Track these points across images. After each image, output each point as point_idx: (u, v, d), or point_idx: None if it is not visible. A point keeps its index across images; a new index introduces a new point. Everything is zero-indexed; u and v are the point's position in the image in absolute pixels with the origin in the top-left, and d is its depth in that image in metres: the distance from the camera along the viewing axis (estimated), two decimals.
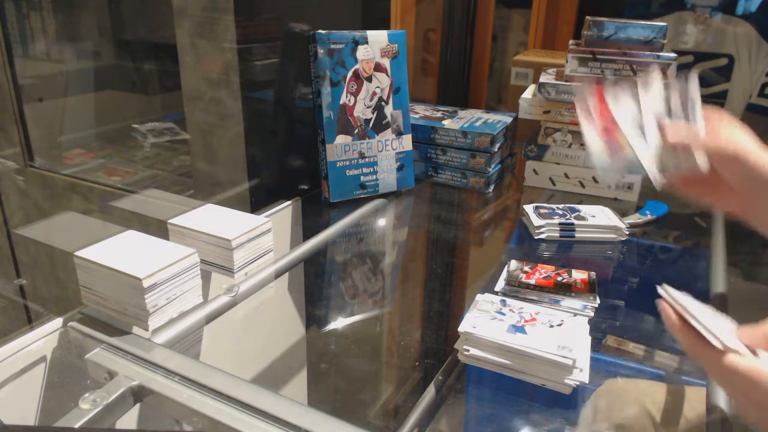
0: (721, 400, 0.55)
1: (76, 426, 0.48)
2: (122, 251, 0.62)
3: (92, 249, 0.62)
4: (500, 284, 0.77)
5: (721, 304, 0.73)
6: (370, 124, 1.01)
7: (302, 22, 1.00)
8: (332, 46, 0.95)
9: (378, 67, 1.00)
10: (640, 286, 0.87)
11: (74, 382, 0.60)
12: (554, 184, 1.12)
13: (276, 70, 0.98)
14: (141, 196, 1.18)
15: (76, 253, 0.61)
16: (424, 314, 0.96)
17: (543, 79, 1.06)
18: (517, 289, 0.75)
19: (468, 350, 0.61)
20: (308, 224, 1.00)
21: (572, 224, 0.92)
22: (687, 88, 0.62)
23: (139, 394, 0.53)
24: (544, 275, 0.79)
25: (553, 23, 1.69)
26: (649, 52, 0.99)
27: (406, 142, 1.05)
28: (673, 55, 0.98)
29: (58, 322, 0.62)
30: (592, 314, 0.70)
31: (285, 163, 1.05)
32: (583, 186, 1.10)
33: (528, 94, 1.12)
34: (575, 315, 0.67)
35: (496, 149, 1.08)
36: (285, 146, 1.04)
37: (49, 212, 1.33)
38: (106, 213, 1.22)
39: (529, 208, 0.96)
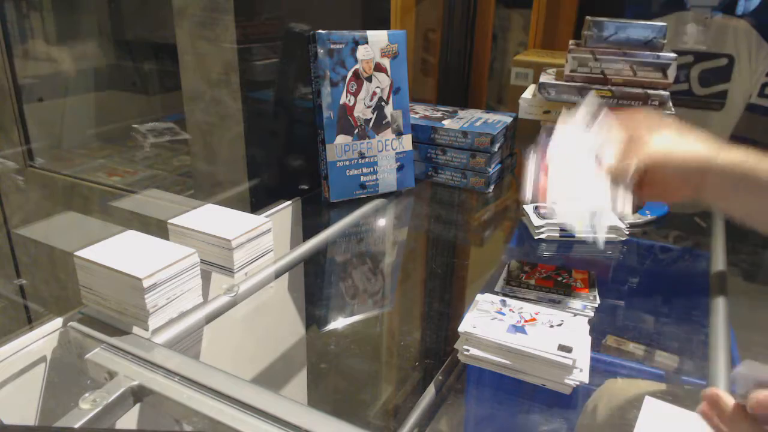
0: None
1: (76, 426, 0.48)
2: (122, 251, 0.62)
3: (92, 249, 0.62)
4: (500, 284, 0.77)
5: (721, 303, 0.73)
6: (370, 124, 1.01)
7: (302, 22, 1.00)
8: (332, 46, 0.95)
9: (378, 67, 1.00)
10: (640, 286, 0.87)
11: (74, 382, 0.60)
12: None
13: (276, 70, 0.98)
14: (141, 196, 1.18)
15: (76, 253, 0.61)
16: (424, 314, 0.96)
17: (543, 79, 1.06)
18: (517, 289, 0.75)
19: (468, 350, 0.61)
20: (308, 224, 1.00)
21: None
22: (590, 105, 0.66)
23: (139, 394, 0.53)
24: (544, 275, 0.79)
25: (553, 23, 1.69)
26: (649, 52, 0.99)
27: (406, 142, 1.05)
28: (673, 55, 0.98)
29: (58, 322, 0.62)
30: (592, 314, 0.70)
31: (285, 163, 1.05)
32: None
33: (528, 94, 1.11)
34: (575, 315, 0.67)
35: (496, 149, 1.08)
36: (285, 146, 1.04)
37: (49, 212, 1.33)
38: (106, 213, 1.21)
39: (529, 208, 0.96)
